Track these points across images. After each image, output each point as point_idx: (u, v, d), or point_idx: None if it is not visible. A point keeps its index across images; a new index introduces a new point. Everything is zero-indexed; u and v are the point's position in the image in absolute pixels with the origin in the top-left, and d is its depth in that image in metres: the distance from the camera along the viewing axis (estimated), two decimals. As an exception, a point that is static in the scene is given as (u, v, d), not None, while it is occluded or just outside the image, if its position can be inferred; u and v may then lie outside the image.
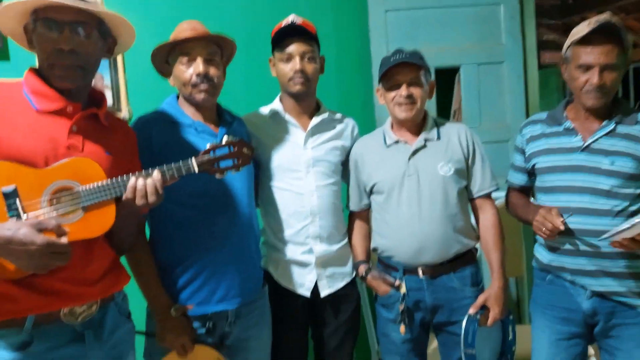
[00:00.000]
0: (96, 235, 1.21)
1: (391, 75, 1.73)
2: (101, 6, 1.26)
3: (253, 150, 1.43)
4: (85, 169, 1.19)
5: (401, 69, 1.71)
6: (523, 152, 1.76)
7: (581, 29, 1.54)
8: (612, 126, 1.56)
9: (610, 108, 1.60)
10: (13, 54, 2.04)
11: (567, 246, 1.59)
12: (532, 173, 1.75)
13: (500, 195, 1.91)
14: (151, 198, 1.24)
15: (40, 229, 1.05)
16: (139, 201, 1.23)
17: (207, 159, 1.34)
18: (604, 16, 1.51)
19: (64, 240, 1.08)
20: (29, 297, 1.14)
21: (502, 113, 2.92)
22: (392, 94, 1.74)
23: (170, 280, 1.55)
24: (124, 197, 1.23)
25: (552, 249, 1.64)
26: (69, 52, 1.19)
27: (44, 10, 1.19)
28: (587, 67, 1.53)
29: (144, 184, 1.24)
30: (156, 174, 1.26)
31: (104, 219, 1.21)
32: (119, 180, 1.22)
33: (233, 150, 1.37)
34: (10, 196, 1.09)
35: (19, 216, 1.10)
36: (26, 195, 1.12)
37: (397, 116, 1.76)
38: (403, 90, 1.71)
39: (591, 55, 1.51)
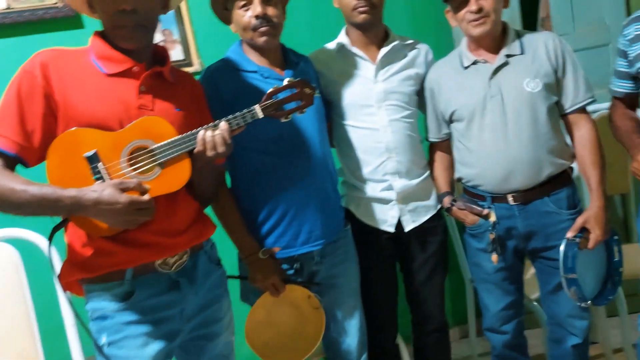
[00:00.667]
0: (175, 189, 1.26)
1: None
2: None
3: (315, 90, 1.39)
4: (155, 127, 1.23)
5: None
6: (626, 54, 1.56)
7: None
8: None
9: None
10: (86, 21, 2.10)
11: None
12: (638, 78, 1.55)
13: (601, 107, 1.72)
14: (220, 149, 1.26)
15: (123, 188, 1.12)
16: (210, 152, 1.25)
17: (270, 103, 1.32)
18: None
19: (146, 197, 1.14)
20: (124, 251, 1.22)
21: (599, 13, 2.60)
22: (462, 11, 1.59)
23: (254, 227, 1.59)
24: (195, 150, 1.25)
25: None
26: (131, 12, 1.19)
27: None
28: None
29: (213, 136, 1.25)
30: (223, 124, 1.27)
31: (181, 173, 1.25)
32: (189, 134, 1.25)
33: (295, 91, 1.35)
34: (93, 160, 1.15)
35: (102, 179, 1.16)
36: (106, 158, 1.17)
37: (471, 34, 1.62)
38: (472, 5, 1.56)
39: None
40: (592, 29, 2.60)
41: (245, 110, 1.30)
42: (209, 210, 1.52)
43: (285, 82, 1.35)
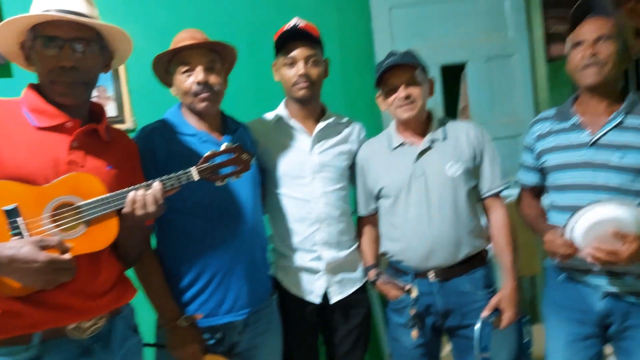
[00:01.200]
0: (100, 248, 1.21)
1: (386, 79, 1.71)
2: (99, 20, 1.26)
3: (252, 156, 1.42)
4: (85, 183, 1.19)
5: (395, 71, 1.69)
6: (533, 150, 1.73)
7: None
8: (620, 118, 1.51)
9: (619, 99, 1.55)
10: (16, 70, 2.05)
11: None
12: (543, 171, 1.71)
13: (514, 193, 1.87)
14: (151, 208, 1.24)
15: (43, 246, 1.06)
16: (139, 212, 1.23)
17: (207, 167, 1.34)
18: None
19: (66, 256, 1.08)
20: (36, 313, 1.14)
21: (512, 108, 2.89)
22: (391, 97, 1.72)
23: (177, 292, 1.54)
24: (123, 211, 1.22)
25: None
26: (71, 69, 1.19)
27: (44, 27, 1.19)
28: (580, 43, 1.52)
29: (144, 195, 1.23)
30: (157, 184, 1.26)
31: (107, 232, 1.21)
32: (119, 193, 1.22)
33: (232, 156, 1.37)
34: (12, 214, 1.09)
35: (21, 235, 1.10)
36: (28, 213, 1.12)
37: (399, 117, 1.74)
38: (401, 92, 1.69)
39: (583, 31, 1.52)
40: (506, 121, 2.87)
41: (180, 172, 1.30)
42: (129, 273, 1.46)
43: (222, 147, 1.37)
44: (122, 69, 2.22)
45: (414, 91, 1.69)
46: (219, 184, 1.36)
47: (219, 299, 1.55)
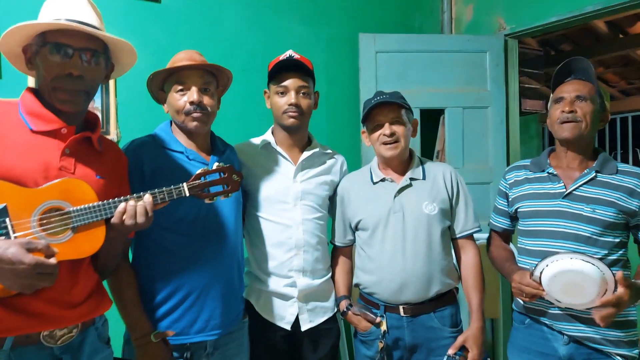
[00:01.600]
0: (85, 255, 1.21)
1: (374, 115, 1.79)
2: (105, 32, 1.29)
3: (242, 177, 1.46)
4: (76, 190, 1.20)
5: (382, 109, 1.77)
6: (506, 196, 1.81)
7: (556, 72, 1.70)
8: (592, 174, 1.61)
9: (591, 157, 1.67)
10: (5, 71, 2.04)
11: None
12: (514, 217, 1.80)
13: (481, 237, 1.95)
14: (140, 219, 1.25)
15: (30, 248, 1.05)
16: (128, 222, 1.23)
17: (198, 184, 1.36)
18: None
19: (52, 260, 1.07)
20: (9, 318, 1.12)
21: (485, 156, 3.01)
22: (376, 133, 1.79)
23: (150, 307, 1.53)
24: (113, 220, 1.23)
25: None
26: (77, 77, 1.21)
27: (54, 35, 1.21)
28: (560, 100, 1.65)
29: (134, 206, 1.25)
30: (147, 196, 1.28)
31: (94, 240, 1.21)
32: (110, 202, 1.23)
33: (223, 176, 1.40)
34: (0, 214, 1.08)
35: (7, 235, 1.09)
36: (16, 214, 1.11)
37: (383, 155, 1.80)
38: (386, 129, 1.76)
39: (563, 90, 1.66)
40: (478, 167, 2.99)
41: (172, 187, 1.32)
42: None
43: (214, 166, 1.40)
44: (111, 82, 2.24)
45: (399, 130, 1.77)
46: (207, 201, 1.39)
47: (192, 318, 1.54)
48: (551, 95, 1.72)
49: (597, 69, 5.51)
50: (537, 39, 4.89)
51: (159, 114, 1.81)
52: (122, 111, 2.29)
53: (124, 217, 1.23)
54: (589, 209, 1.59)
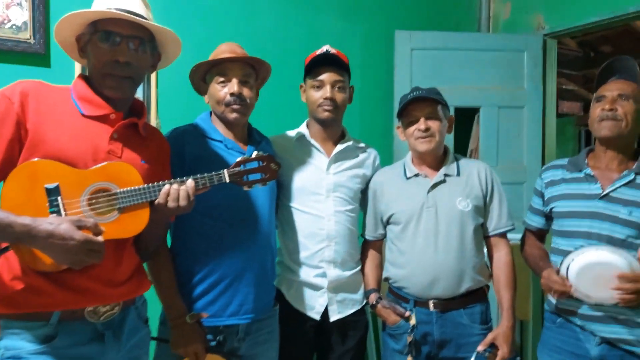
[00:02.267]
0: (130, 235, 1.26)
1: (409, 110, 1.80)
2: (153, 22, 1.35)
3: (280, 167, 1.49)
4: (123, 172, 1.26)
5: (418, 104, 1.78)
6: (542, 195, 1.80)
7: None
8: (631, 176, 1.59)
9: (632, 157, 1.64)
10: (54, 61, 2.13)
11: None
12: (549, 217, 1.78)
13: (515, 237, 1.93)
14: (182, 202, 1.29)
15: (80, 226, 1.11)
16: (171, 204, 1.28)
17: (238, 171, 1.40)
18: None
19: (100, 238, 1.13)
20: (58, 293, 1.18)
21: (519, 156, 2.98)
22: (411, 128, 1.79)
23: (186, 290, 1.58)
24: (157, 201, 1.28)
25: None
26: (124, 64, 1.26)
27: (105, 23, 1.26)
28: (602, 98, 1.63)
29: (178, 189, 1.30)
30: (190, 181, 1.32)
31: (138, 221, 1.26)
32: (155, 185, 1.28)
33: (262, 164, 1.44)
34: (53, 193, 1.15)
35: (59, 213, 1.15)
36: (67, 193, 1.17)
37: (417, 149, 1.81)
38: (421, 124, 1.76)
39: (606, 89, 1.64)
40: (512, 167, 2.95)
41: (213, 173, 1.37)
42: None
43: (254, 155, 1.44)
44: (152, 74, 2.31)
45: (434, 125, 1.77)
46: (245, 188, 1.42)
47: (226, 301, 1.59)
48: (594, 94, 1.70)
49: None
50: (577, 39, 4.78)
51: (197, 105, 1.86)
52: (162, 101, 2.35)
53: (168, 199, 1.28)
54: (625, 212, 1.56)
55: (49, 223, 1.08)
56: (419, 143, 1.79)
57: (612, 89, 1.62)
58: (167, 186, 1.29)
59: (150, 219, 1.28)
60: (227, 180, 1.38)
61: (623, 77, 1.63)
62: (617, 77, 1.64)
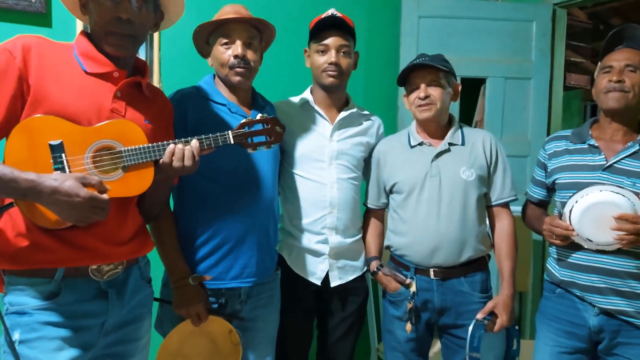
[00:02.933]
0: (134, 194, 1.26)
1: (411, 77, 1.78)
2: None
3: (284, 129, 1.47)
4: (128, 131, 1.25)
5: (419, 71, 1.76)
6: (545, 167, 1.79)
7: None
8: (636, 147, 1.57)
9: (636, 129, 1.62)
10: (55, 21, 2.09)
11: (580, 262, 1.62)
12: (551, 189, 1.78)
13: (516, 209, 1.93)
14: (187, 162, 1.29)
15: (85, 183, 1.10)
16: (176, 164, 1.28)
17: (243, 133, 1.39)
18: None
19: (105, 196, 1.12)
20: (62, 250, 1.19)
21: (524, 128, 2.95)
22: (412, 95, 1.78)
23: (189, 252, 1.59)
24: (162, 160, 1.27)
25: (565, 264, 1.66)
26: (126, 21, 1.24)
27: None
28: (609, 69, 1.60)
29: (183, 149, 1.29)
30: (194, 141, 1.32)
31: (143, 180, 1.26)
32: (160, 144, 1.27)
33: (266, 127, 1.43)
34: (57, 149, 1.14)
35: (63, 170, 1.14)
36: (71, 150, 1.16)
37: (417, 117, 1.80)
38: (421, 92, 1.74)
39: (613, 58, 1.61)
40: (517, 140, 2.93)
41: (218, 134, 1.36)
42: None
43: (258, 116, 1.43)
44: (155, 35, 2.27)
45: (435, 92, 1.75)
46: (250, 150, 1.42)
47: (228, 264, 1.60)
48: (599, 63, 1.67)
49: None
50: (587, 11, 4.68)
51: (200, 68, 1.83)
52: (165, 64, 2.32)
53: (173, 158, 1.28)
54: (629, 183, 1.55)
55: (53, 179, 1.08)
56: (418, 111, 1.77)
57: (619, 58, 1.59)
58: (172, 145, 1.28)
59: (154, 179, 1.28)
60: (232, 142, 1.37)
61: (630, 46, 1.60)
62: (625, 46, 1.61)
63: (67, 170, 1.15)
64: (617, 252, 1.55)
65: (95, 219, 1.13)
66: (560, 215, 1.60)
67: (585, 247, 1.58)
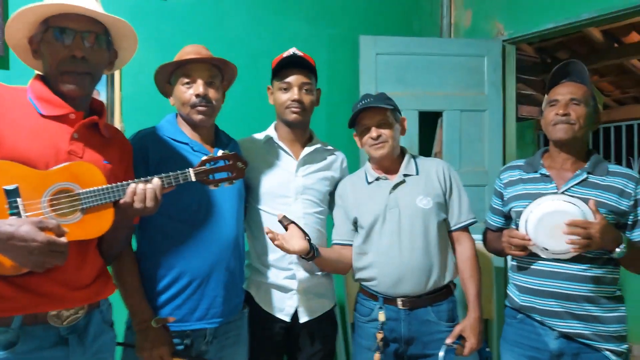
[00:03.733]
0: (93, 236, 1.24)
1: (360, 119, 1.84)
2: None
3: (247, 165, 1.49)
4: (85, 172, 1.24)
5: (368, 113, 1.82)
6: (501, 195, 1.85)
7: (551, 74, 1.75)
8: (584, 175, 1.66)
9: (584, 158, 1.71)
10: (13, 62, 2.07)
11: (538, 287, 1.67)
12: (508, 216, 1.84)
13: (477, 238, 1.98)
14: (149, 203, 1.28)
15: (42, 227, 1.08)
16: (138, 205, 1.27)
17: (204, 170, 1.40)
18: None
19: (63, 239, 1.10)
20: (19, 297, 1.15)
21: (481, 159, 3.06)
22: (365, 137, 1.84)
23: (152, 294, 1.56)
24: (122, 201, 1.26)
25: (524, 290, 1.71)
26: (81, 59, 1.25)
27: (57, 20, 1.24)
28: (555, 102, 1.69)
29: (144, 189, 1.28)
30: (156, 180, 1.32)
31: (102, 222, 1.24)
32: (120, 185, 1.26)
33: (228, 163, 1.45)
34: (12, 194, 1.11)
35: (19, 215, 1.12)
36: (27, 194, 1.14)
37: (373, 156, 1.85)
38: (373, 132, 1.80)
39: (558, 92, 1.70)
40: (474, 170, 3.03)
41: (178, 172, 1.36)
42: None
43: (219, 153, 1.45)
44: (116, 75, 2.27)
45: (386, 132, 1.81)
46: (212, 187, 1.43)
47: (193, 305, 1.58)
48: (546, 96, 1.77)
49: (592, 78, 5.58)
50: (534, 46, 4.96)
51: (162, 108, 1.84)
52: (127, 104, 2.31)
53: (134, 199, 1.27)
54: None
55: (9, 224, 1.05)
56: (373, 150, 1.83)
57: (563, 92, 1.68)
58: (132, 185, 1.27)
59: (114, 220, 1.26)
60: (193, 179, 1.38)
61: (574, 80, 1.70)
62: (569, 80, 1.71)
63: (23, 215, 1.12)
64: (572, 278, 1.61)
65: (53, 264, 1.11)
66: (517, 227, 1.65)
67: (543, 256, 1.64)
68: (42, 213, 1.16)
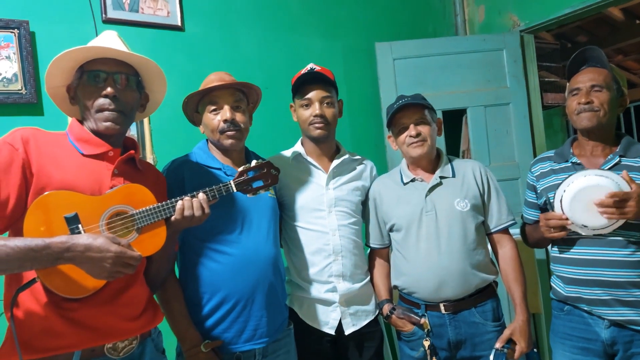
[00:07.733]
0: (151, 253, 1.32)
1: (398, 119, 1.84)
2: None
3: (279, 171, 1.58)
4: (137, 193, 1.32)
5: (405, 112, 1.82)
6: (534, 188, 1.83)
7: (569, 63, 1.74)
8: (616, 159, 1.63)
9: (614, 142, 1.68)
10: (47, 109, 2.16)
11: (582, 276, 1.64)
12: (544, 209, 1.81)
13: (515, 232, 1.96)
14: (197, 212, 1.37)
15: (114, 242, 1.17)
16: (187, 212, 1.36)
17: (243, 180, 1.49)
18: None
19: (135, 251, 1.20)
20: (75, 333, 1.20)
21: (510, 152, 3.02)
22: (402, 136, 1.83)
23: (198, 319, 1.59)
24: (174, 216, 1.35)
25: (568, 280, 1.68)
26: (113, 98, 1.31)
27: (90, 64, 1.32)
28: (577, 91, 1.67)
29: (191, 202, 1.37)
30: (201, 194, 1.41)
31: (157, 239, 1.33)
32: (169, 202, 1.35)
33: (262, 171, 1.54)
34: (72, 221, 1.18)
35: None
36: (86, 220, 1.21)
37: (411, 155, 1.84)
38: (412, 130, 1.80)
39: (579, 80, 1.68)
40: (505, 164, 3.00)
41: (220, 185, 1.44)
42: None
43: (253, 163, 1.53)
44: (144, 110, 2.34)
45: (424, 129, 1.81)
46: (250, 195, 1.51)
47: (240, 327, 1.60)
48: (567, 85, 1.75)
49: (616, 57, 5.45)
50: (553, 32, 4.88)
51: (191, 136, 1.89)
52: (157, 137, 2.38)
53: (184, 211, 1.35)
54: None
55: (85, 238, 1.14)
56: (412, 149, 1.82)
57: (584, 80, 1.66)
58: (181, 201, 1.36)
59: (166, 236, 1.34)
60: (234, 190, 1.47)
61: (594, 65, 1.68)
62: (588, 66, 1.69)
63: None
64: (615, 264, 1.57)
65: (125, 273, 1.19)
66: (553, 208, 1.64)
67: (583, 233, 1.61)
68: None
